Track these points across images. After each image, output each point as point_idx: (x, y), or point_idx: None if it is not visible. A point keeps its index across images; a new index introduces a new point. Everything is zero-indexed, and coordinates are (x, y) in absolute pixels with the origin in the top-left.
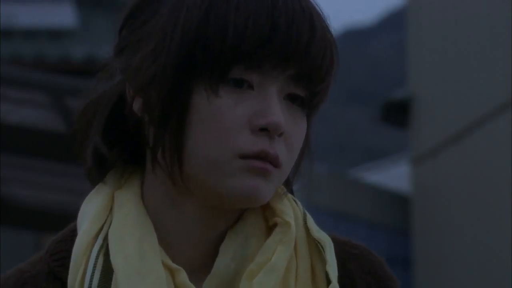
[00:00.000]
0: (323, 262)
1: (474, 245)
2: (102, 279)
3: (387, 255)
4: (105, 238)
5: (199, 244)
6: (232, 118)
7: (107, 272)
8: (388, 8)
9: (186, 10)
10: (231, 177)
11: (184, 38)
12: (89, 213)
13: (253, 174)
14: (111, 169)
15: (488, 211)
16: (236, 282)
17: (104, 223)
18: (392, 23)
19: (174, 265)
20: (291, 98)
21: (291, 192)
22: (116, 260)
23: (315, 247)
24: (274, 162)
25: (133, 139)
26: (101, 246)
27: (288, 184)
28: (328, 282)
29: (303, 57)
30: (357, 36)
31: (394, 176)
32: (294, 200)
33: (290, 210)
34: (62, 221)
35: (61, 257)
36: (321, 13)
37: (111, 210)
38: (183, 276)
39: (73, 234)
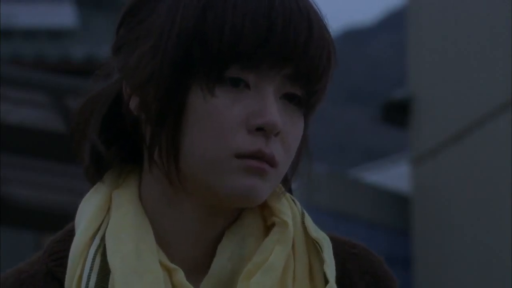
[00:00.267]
0: (321, 261)
1: (474, 245)
2: (99, 280)
3: (387, 255)
4: (103, 238)
5: (197, 243)
6: (229, 118)
7: (104, 272)
8: (388, 8)
9: (183, 8)
10: (228, 176)
11: (181, 37)
12: (87, 212)
13: (249, 174)
14: (109, 167)
15: (488, 211)
16: (233, 282)
17: (102, 223)
18: (392, 23)
19: (171, 265)
20: (288, 98)
21: (290, 192)
22: (113, 260)
23: (313, 247)
24: (271, 161)
25: (130, 138)
26: (98, 246)
27: (286, 183)
28: (326, 281)
29: (301, 56)
30: (357, 36)
31: (394, 176)
32: (293, 200)
33: (288, 209)
34: (62, 221)
35: (59, 257)
36: (318, 13)
37: (108, 209)
38: (180, 275)
39: (71, 234)
